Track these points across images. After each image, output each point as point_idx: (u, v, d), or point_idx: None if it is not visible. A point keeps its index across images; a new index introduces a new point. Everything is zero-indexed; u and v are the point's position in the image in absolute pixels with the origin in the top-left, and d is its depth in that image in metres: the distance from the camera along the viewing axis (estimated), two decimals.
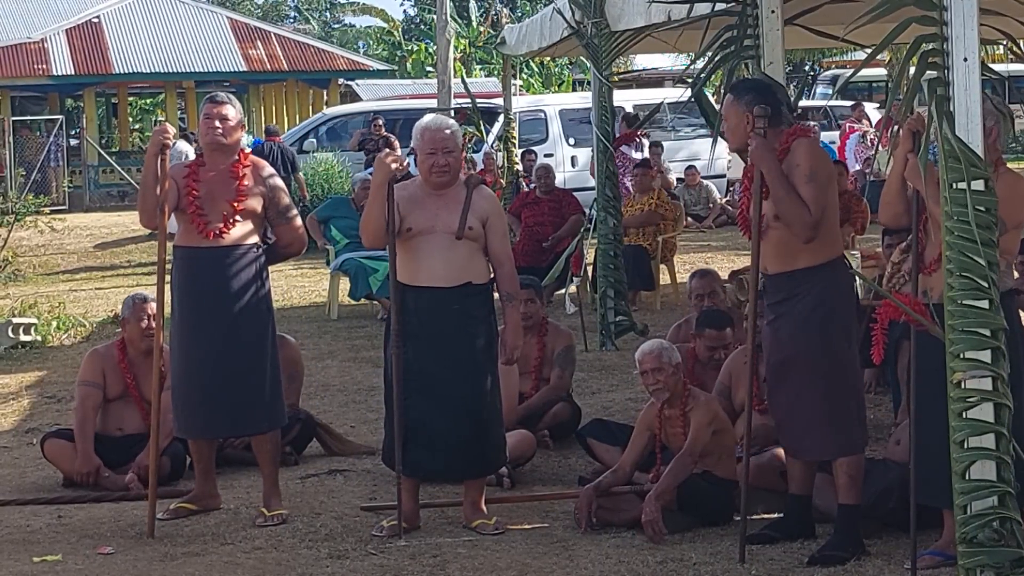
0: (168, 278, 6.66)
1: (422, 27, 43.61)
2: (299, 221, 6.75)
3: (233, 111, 6.54)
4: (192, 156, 15.23)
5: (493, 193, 6.60)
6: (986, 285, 4.79)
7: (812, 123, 19.35)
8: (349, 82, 34.10)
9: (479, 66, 37.20)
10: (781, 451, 6.20)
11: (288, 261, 7.36)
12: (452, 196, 6.25)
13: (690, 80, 7.82)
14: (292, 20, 60.17)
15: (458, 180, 6.29)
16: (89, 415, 7.36)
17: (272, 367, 6.60)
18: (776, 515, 6.11)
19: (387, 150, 6.29)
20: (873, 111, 23.30)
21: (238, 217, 6.48)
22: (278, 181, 6.70)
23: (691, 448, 6.23)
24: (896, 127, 5.39)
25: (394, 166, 6.15)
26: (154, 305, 6.99)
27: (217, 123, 6.49)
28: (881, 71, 29.12)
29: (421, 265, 6.19)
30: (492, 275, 6.41)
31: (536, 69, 34.51)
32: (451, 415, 6.18)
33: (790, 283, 5.74)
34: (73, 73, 29.28)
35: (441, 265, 6.19)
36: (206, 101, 6.61)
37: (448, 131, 6.25)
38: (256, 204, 6.55)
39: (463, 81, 15.89)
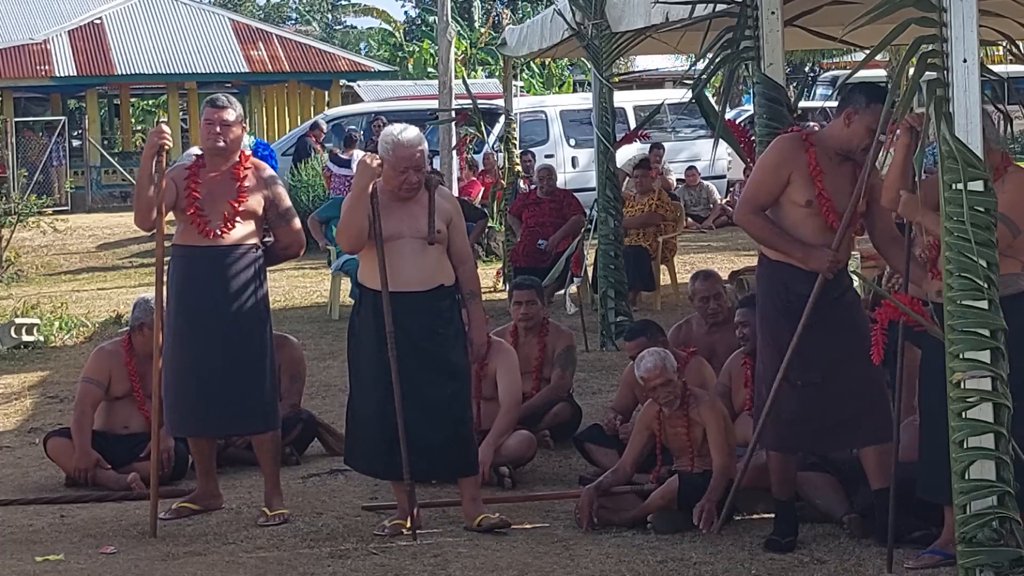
0: (165, 277, 6.66)
1: (423, 28, 43.58)
2: (298, 223, 6.77)
3: (233, 114, 6.55)
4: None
5: (451, 192, 6.59)
6: (985, 286, 4.80)
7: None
8: (351, 83, 34.10)
9: (480, 67, 37.19)
10: None
11: (289, 261, 7.37)
12: (415, 200, 6.24)
13: (690, 81, 7.83)
14: (294, 21, 60.19)
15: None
16: (88, 412, 7.38)
17: (269, 368, 6.61)
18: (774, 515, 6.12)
19: (369, 153, 6.25)
20: None
21: (239, 218, 6.51)
22: (278, 183, 6.73)
23: (722, 451, 6.27)
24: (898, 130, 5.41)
25: (375, 164, 6.16)
26: None
27: (218, 128, 6.51)
28: (881, 72, 29.13)
29: (392, 270, 6.16)
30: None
31: (537, 70, 34.46)
32: (430, 417, 6.19)
33: (844, 273, 5.85)
34: (75, 74, 29.26)
35: (413, 269, 6.18)
36: (206, 105, 6.63)
37: (420, 151, 6.20)
38: (256, 205, 6.57)
39: (464, 82, 15.86)
